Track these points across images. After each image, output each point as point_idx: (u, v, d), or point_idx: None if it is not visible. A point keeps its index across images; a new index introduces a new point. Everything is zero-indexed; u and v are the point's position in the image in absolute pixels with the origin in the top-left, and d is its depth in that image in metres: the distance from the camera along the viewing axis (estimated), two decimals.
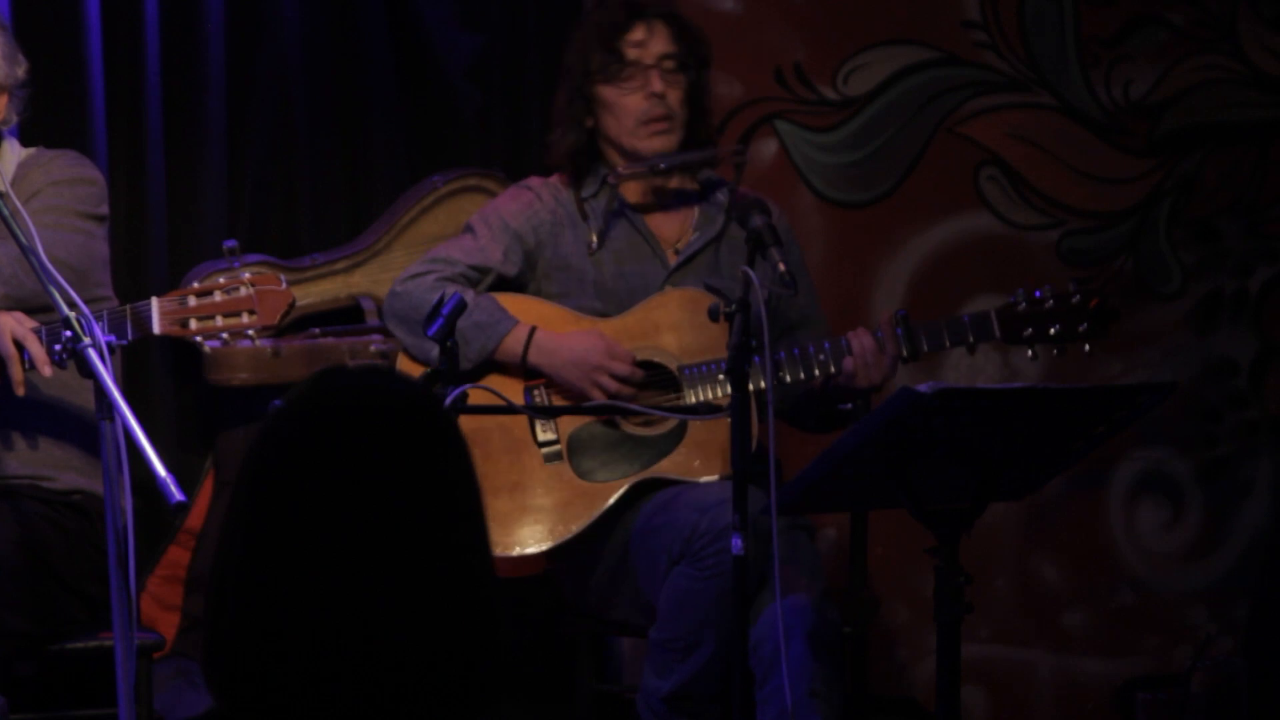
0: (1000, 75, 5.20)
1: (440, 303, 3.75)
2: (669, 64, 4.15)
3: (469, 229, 4.24)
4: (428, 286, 4.10)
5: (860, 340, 4.04)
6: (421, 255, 4.29)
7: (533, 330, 4.07)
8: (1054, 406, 3.53)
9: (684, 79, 4.18)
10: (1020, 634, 5.26)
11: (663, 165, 4.14)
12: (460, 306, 3.71)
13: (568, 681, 4.38)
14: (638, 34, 4.14)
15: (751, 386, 3.70)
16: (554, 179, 4.30)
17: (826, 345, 4.07)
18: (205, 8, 4.85)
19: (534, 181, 4.31)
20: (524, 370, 4.08)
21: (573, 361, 4.06)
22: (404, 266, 4.38)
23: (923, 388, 3.34)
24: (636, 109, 4.15)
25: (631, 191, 4.26)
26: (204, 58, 4.86)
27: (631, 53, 4.14)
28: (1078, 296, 4.11)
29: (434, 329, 3.68)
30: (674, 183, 4.26)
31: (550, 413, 4.05)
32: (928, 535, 3.53)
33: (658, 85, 4.13)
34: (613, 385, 4.05)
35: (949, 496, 3.51)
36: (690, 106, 4.20)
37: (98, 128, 4.73)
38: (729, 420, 3.58)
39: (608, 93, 4.16)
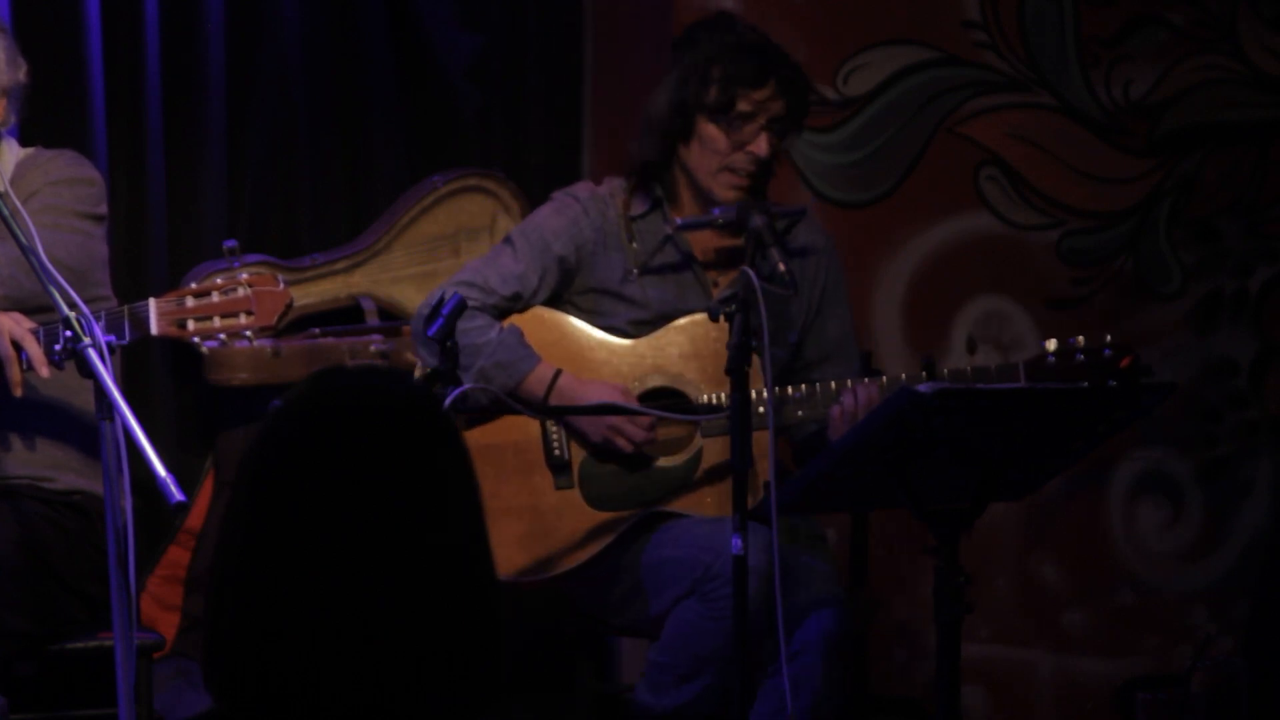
0: (1000, 75, 5.20)
1: (440, 303, 3.74)
2: (775, 126, 4.09)
3: (509, 243, 4.14)
4: None
5: (855, 393, 4.01)
6: (457, 272, 4.18)
7: (557, 374, 4.04)
8: (1054, 406, 3.53)
9: (779, 142, 4.12)
10: (1020, 634, 5.26)
11: (721, 220, 4.06)
12: (460, 307, 3.71)
13: (568, 681, 4.37)
14: (762, 94, 4.04)
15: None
16: (604, 189, 4.20)
17: (818, 388, 4.04)
18: (205, 8, 4.85)
19: (581, 192, 4.21)
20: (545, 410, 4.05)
21: (593, 416, 4.03)
22: (404, 266, 4.35)
23: (923, 388, 3.33)
24: (727, 156, 4.06)
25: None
26: (204, 58, 4.86)
27: (747, 106, 4.03)
28: (1109, 351, 4.06)
29: (434, 329, 3.68)
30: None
31: (550, 413, 4.05)
32: (928, 535, 3.53)
33: (762, 147, 4.04)
34: (628, 448, 4.04)
35: (949, 496, 3.51)
36: (770, 164, 4.15)
37: (98, 128, 4.73)
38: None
39: (708, 129, 4.06)
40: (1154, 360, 5.19)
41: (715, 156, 4.06)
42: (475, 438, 4.04)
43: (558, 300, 4.15)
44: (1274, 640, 5.00)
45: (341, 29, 5.02)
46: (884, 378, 4.05)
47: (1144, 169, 5.29)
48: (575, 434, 4.07)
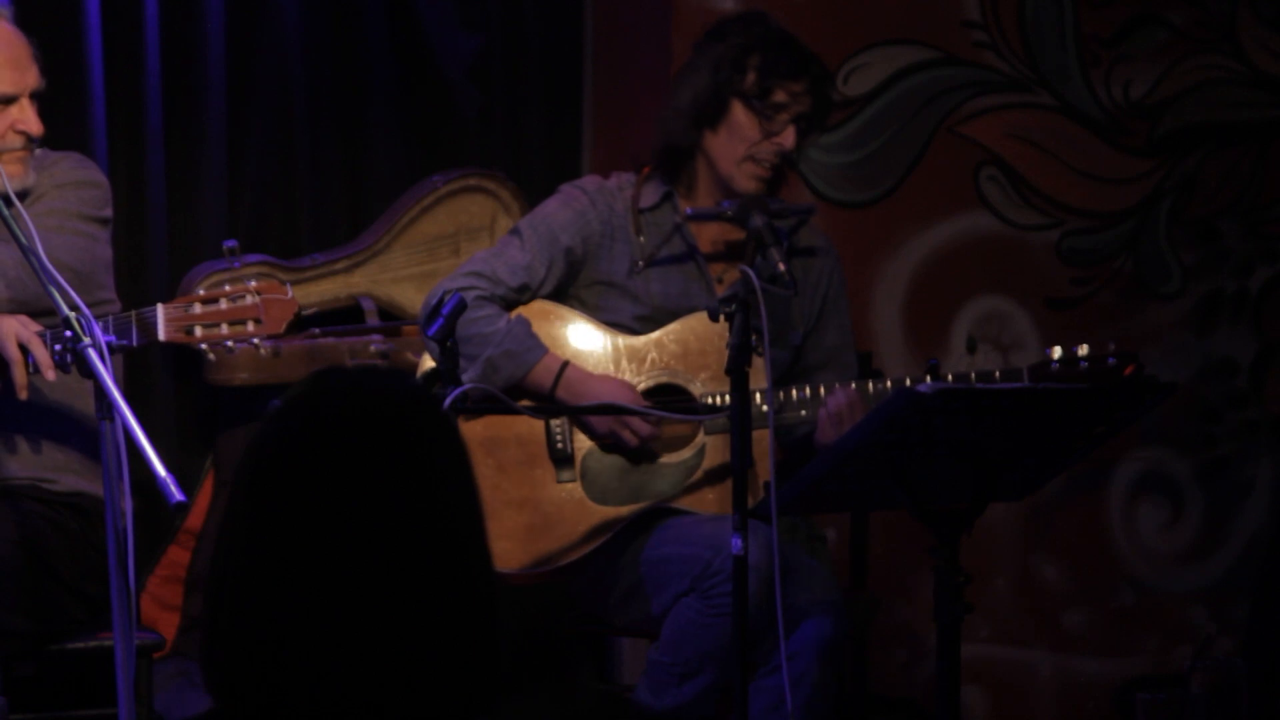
0: (1000, 75, 5.20)
1: (440, 303, 3.74)
2: (801, 122, 4.10)
3: (517, 234, 4.14)
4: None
5: (837, 396, 4.01)
6: (464, 263, 4.17)
7: (564, 365, 4.05)
8: (1054, 406, 3.53)
9: (802, 140, 4.14)
10: (1020, 634, 5.26)
11: (730, 213, 4.06)
12: (460, 307, 3.70)
13: (568, 681, 4.37)
14: (797, 87, 4.06)
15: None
16: (611, 182, 4.20)
17: (821, 391, 4.04)
18: (205, 8, 4.85)
19: (589, 185, 4.21)
20: (551, 401, 4.06)
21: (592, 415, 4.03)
22: (404, 266, 4.34)
23: (923, 388, 3.33)
24: (754, 145, 4.07)
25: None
26: (204, 58, 4.86)
27: (782, 97, 4.05)
28: (1113, 360, 4.06)
29: (434, 329, 3.68)
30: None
31: (550, 413, 4.05)
32: (928, 535, 3.53)
33: (789, 140, 4.06)
34: (633, 441, 4.04)
35: (949, 496, 3.51)
36: (792, 160, 4.16)
37: (98, 128, 4.73)
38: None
39: (740, 115, 4.07)
40: (1154, 360, 5.20)
41: (742, 145, 4.07)
42: (478, 430, 4.04)
43: (563, 294, 4.15)
44: (1274, 640, 5.00)
45: (342, 29, 5.02)
46: (870, 382, 4.06)
47: (1144, 169, 5.29)
48: (582, 425, 4.07)
